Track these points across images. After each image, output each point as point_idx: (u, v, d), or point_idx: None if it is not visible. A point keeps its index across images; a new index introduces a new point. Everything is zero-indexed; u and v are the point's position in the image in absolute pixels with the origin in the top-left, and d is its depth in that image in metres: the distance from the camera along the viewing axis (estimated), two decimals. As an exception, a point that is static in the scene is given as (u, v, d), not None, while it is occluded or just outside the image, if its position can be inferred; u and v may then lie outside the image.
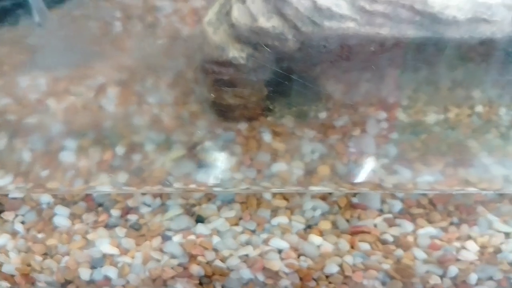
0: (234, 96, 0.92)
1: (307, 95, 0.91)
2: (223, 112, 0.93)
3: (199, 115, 0.92)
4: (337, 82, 0.98)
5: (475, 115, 0.91)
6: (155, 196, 0.84)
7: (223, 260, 0.74)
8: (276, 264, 0.73)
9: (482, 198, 0.82)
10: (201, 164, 0.83)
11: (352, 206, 0.81)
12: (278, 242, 0.75)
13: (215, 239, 0.76)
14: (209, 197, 0.83)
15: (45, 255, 0.78)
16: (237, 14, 0.84)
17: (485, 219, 0.78)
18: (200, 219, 0.79)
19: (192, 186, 0.79)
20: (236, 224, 0.79)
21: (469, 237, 0.76)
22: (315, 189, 0.77)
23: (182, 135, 0.89)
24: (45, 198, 0.84)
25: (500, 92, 0.96)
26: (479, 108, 0.92)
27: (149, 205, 0.83)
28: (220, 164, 0.83)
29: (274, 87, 0.93)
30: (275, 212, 0.81)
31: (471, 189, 0.77)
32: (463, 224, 0.78)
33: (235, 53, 0.85)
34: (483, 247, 0.74)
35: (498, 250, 0.73)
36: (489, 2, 0.76)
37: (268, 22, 0.80)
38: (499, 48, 0.97)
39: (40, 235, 0.80)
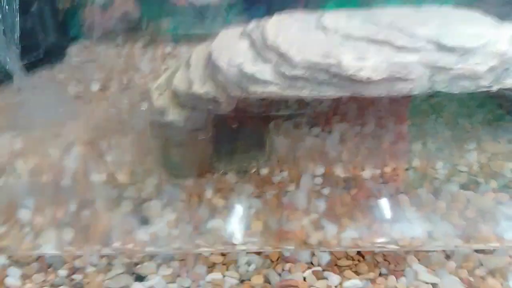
0: (180, 154, 0.98)
1: (250, 152, 0.96)
2: (172, 170, 0.98)
3: (152, 173, 0.98)
4: (279, 139, 1.03)
5: (411, 169, 0.94)
6: (102, 256, 0.88)
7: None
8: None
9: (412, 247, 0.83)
10: (144, 221, 0.87)
11: (284, 260, 0.83)
12: (206, 298, 0.77)
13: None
14: (152, 255, 0.87)
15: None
16: (177, 80, 0.92)
17: (412, 270, 0.79)
18: (139, 278, 0.83)
19: (130, 245, 0.83)
20: (173, 282, 0.82)
21: (395, 289, 0.77)
22: (242, 248, 0.80)
23: (132, 192, 0.94)
24: (1, 260, 0.89)
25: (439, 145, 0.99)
26: (416, 162, 0.95)
27: (95, 265, 0.87)
28: (160, 221, 0.87)
29: (217, 146, 0.99)
30: (211, 268, 0.84)
31: (391, 247, 0.78)
32: (391, 275, 0.79)
33: (174, 116, 0.91)
34: (407, 300, 0.75)
35: (421, 303, 0.74)
36: (405, 61, 0.81)
37: (202, 88, 0.87)
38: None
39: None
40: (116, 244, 0.83)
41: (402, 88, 0.81)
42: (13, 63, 1.27)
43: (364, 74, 0.79)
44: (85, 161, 1.03)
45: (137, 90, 1.31)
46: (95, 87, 1.32)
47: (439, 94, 1.18)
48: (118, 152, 1.05)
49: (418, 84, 0.82)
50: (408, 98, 1.16)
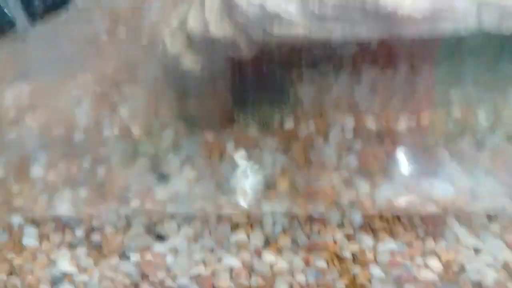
0: (198, 106, 0.90)
1: (272, 103, 0.88)
2: (189, 122, 0.91)
3: (168, 126, 0.91)
4: (302, 88, 0.95)
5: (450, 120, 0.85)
6: (120, 214, 0.84)
7: (174, 279, 0.73)
8: (225, 283, 0.71)
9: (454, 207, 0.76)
10: (162, 178, 0.82)
11: (312, 220, 0.77)
12: (230, 260, 0.72)
13: (170, 258, 0.75)
14: (172, 215, 0.82)
15: (10, 274, 0.79)
16: (192, 22, 0.82)
17: (452, 232, 0.73)
18: (159, 238, 0.78)
19: (149, 204, 0.78)
20: (195, 242, 0.78)
21: (433, 253, 0.71)
22: (268, 208, 0.75)
23: (148, 146, 0.88)
24: (16, 219, 0.85)
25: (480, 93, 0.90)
26: (456, 112, 0.86)
27: (113, 225, 0.82)
28: (179, 178, 0.81)
29: (238, 96, 0.91)
30: (235, 228, 0.79)
31: (432, 208, 0.72)
32: (429, 238, 0.73)
33: (189, 63, 0.83)
34: (447, 264, 0.69)
35: (462, 269, 0.68)
36: (448, -3, 0.70)
37: (219, 31, 0.78)
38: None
39: (9, 255, 0.81)
40: (135, 203, 0.79)
41: (446, 28, 0.72)
42: (16, 9, 1.20)
43: (404, 11, 0.69)
44: (97, 114, 0.97)
45: (149, 35, 1.21)
46: (103, 33, 1.23)
47: (476, 35, 1.08)
48: (129, 104, 0.98)
49: (463, 23, 0.71)
50: (442, 39, 1.05)
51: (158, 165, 0.84)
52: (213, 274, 0.73)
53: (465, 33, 0.72)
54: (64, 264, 0.77)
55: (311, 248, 0.74)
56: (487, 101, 0.89)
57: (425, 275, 0.69)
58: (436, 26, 0.71)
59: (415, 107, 0.89)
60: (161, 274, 0.74)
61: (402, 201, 0.74)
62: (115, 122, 0.94)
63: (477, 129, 0.83)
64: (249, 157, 0.84)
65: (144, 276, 0.74)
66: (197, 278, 0.73)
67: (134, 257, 0.76)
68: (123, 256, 0.77)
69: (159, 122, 0.92)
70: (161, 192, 0.79)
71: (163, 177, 0.82)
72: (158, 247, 0.78)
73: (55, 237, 0.82)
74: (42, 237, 0.83)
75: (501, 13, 0.70)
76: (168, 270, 0.74)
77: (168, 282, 0.73)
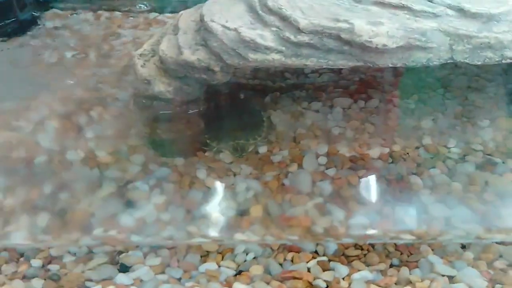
0: (168, 130, 0.88)
1: (246, 129, 0.87)
2: (160, 147, 0.88)
3: (137, 150, 0.88)
4: (277, 114, 0.94)
5: (422, 148, 0.86)
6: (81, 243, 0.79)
7: (138, 312, 0.68)
8: (193, 316, 0.67)
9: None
10: (128, 204, 0.78)
11: (286, 248, 0.75)
12: (199, 292, 0.69)
13: (134, 290, 0.70)
14: (138, 244, 0.78)
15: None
16: (165, 46, 0.81)
17: (427, 261, 0.72)
18: (123, 268, 0.74)
19: (113, 232, 0.73)
20: (162, 272, 0.74)
21: (408, 282, 0.70)
22: (240, 238, 0.72)
23: (115, 172, 0.84)
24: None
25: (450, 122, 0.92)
26: (427, 140, 0.87)
27: (74, 254, 0.78)
28: (148, 204, 0.78)
29: (210, 121, 0.90)
30: (205, 257, 0.75)
31: (407, 237, 0.71)
32: (404, 266, 0.72)
33: (161, 87, 0.81)
34: (422, 293, 0.68)
35: (438, 297, 0.67)
36: (423, 27, 0.72)
37: (193, 55, 0.77)
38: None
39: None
40: (98, 231, 0.74)
41: (419, 58, 0.73)
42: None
43: (379, 40, 0.70)
44: (61, 137, 0.92)
45: (118, 58, 1.19)
46: (70, 55, 1.19)
47: (445, 67, 1.11)
48: (97, 127, 0.94)
49: (437, 54, 0.73)
50: (413, 71, 1.08)
51: (125, 191, 0.80)
52: (181, 307, 0.68)
53: (437, 63, 0.73)
54: (16, 297, 0.71)
55: (284, 278, 0.71)
56: (457, 130, 0.90)
57: (401, 305, 0.67)
58: (409, 56, 0.72)
59: (386, 135, 0.90)
60: (124, 308, 0.69)
61: (376, 229, 0.73)
62: (81, 145, 0.90)
63: (448, 157, 0.84)
64: (222, 184, 0.81)
65: (105, 310, 0.69)
66: (163, 312, 0.68)
67: (96, 289, 0.71)
68: (84, 288, 0.72)
69: (127, 147, 0.89)
70: (127, 219, 0.75)
71: (130, 204, 0.78)
72: (122, 278, 0.73)
73: (8, 268, 0.76)
74: (-8, 268, 0.77)
75: (473, 45, 0.72)
76: (132, 302, 0.69)
77: (132, 316, 0.69)
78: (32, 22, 1.34)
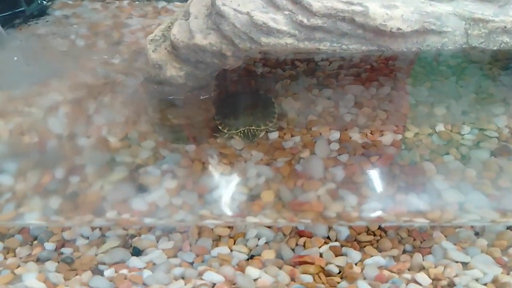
0: (179, 116, 0.88)
1: (257, 115, 0.87)
2: (171, 133, 0.88)
3: (148, 136, 0.88)
4: (288, 100, 0.94)
5: (435, 135, 0.85)
6: (94, 227, 0.79)
7: (151, 295, 0.68)
8: (206, 299, 0.67)
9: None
10: (140, 189, 0.78)
11: (298, 233, 0.75)
12: (212, 275, 0.69)
13: (147, 273, 0.70)
14: (150, 227, 0.78)
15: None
16: (176, 31, 0.80)
17: (440, 247, 0.71)
18: (136, 252, 0.74)
19: (126, 216, 0.73)
20: (174, 256, 0.74)
21: (421, 268, 0.69)
22: (253, 220, 0.72)
23: (126, 156, 0.84)
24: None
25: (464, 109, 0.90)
26: (440, 127, 0.86)
27: (87, 237, 0.78)
28: (160, 188, 0.78)
29: (222, 107, 0.89)
30: (217, 241, 0.75)
31: (421, 220, 0.70)
32: (416, 252, 0.71)
33: (173, 71, 0.81)
34: (436, 279, 0.67)
35: (452, 283, 0.66)
36: (438, 11, 0.71)
37: (205, 39, 0.76)
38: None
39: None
40: (111, 214, 0.74)
41: (434, 42, 0.72)
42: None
43: (393, 24, 0.69)
44: (72, 122, 0.92)
45: (128, 46, 1.19)
46: (80, 42, 1.19)
47: (458, 55, 1.10)
48: (108, 113, 0.94)
49: (452, 39, 0.72)
50: (426, 59, 1.07)
51: (137, 176, 0.80)
52: (194, 290, 0.68)
53: (452, 48, 0.72)
54: (31, 280, 0.71)
55: (296, 262, 0.71)
56: (471, 117, 0.89)
57: (414, 290, 0.67)
58: (424, 40, 0.71)
59: (399, 121, 0.89)
60: (137, 290, 0.69)
61: (389, 213, 0.72)
62: (91, 131, 0.90)
63: (461, 144, 0.83)
64: (232, 169, 0.81)
65: (119, 293, 0.69)
66: (176, 295, 0.68)
67: (108, 272, 0.72)
68: (96, 271, 0.72)
69: (138, 132, 0.89)
70: (139, 203, 0.75)
71: (141, 188, 0.78)
72: (135, 261, 0.73)
73: (22, 251, 0.76)
74: (6, 250, 0.77)
75: (489, 29, 0.71)
76: (145, 286, 0.69)
77: (145, 298, 0.69)
78: (42, 12, 1.35)
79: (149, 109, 0.92)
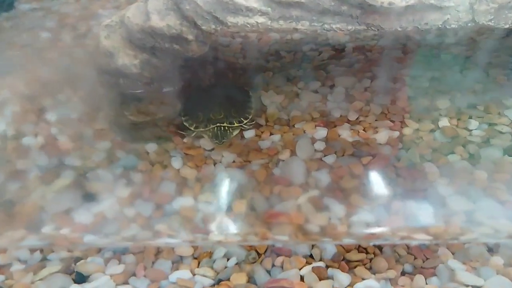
0: (139, 112, 0.75)
1: (230, 111, 0.74)
2: (129, 131, 0.76)
3: (103, 135, 0.76)
4: (269, 94, 0.81)
5: (438, 131, 0.73)
6: (33, 249, 0.66)
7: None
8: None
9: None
10: (87, 197, 0.66)
11: (274, 251, 0.62)
12: (167, 306, 0.56)
13: (91, 305, 0.58)
14: (98, 247, 0.65)
15: None
16: (131, 13, 0.68)
17: (447, 267, 0.59)
18: (79, 278, 0.62)
19: (65, 230, 0.61)
20: (125, 283, 0.62)
21: (424, 293, 0.57)
22: (216, 238, 0.59)
23: (76, 159, 0.71)
24: None
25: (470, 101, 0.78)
26: (444, 122, 0.74)
27: (24, 261, 0.65)
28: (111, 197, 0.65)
29: (189, 101, 0.77)
30: (177, 263, 0.63)
31: (421, 237, 0.58)
32: (418, 274, 0.59)
33: (126, 59, 0.68)
34: (441, 308, 0.55)
35: (460, 313, 0.54)
36: (439, -18, 0.59)
37: (163, 21, 0.64)
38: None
39: None
40: (47, 229, 0.62)
41: (434, 20, 0.61)
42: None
43: (384, -2, 0.57)
44: (20, 120, 0.80)
45: (94, 39, 1.08)
46: (44, 36, 1.09)
47: (461, 42, 0.97)
48: (63, 110, 0.82)
49: (455, 15, 0.60)
50: (425, 47, 0.95)
51: (85, 182, 0.67)
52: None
53: (456, 26, 0.60)
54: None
55: (272, 288, 0.58)
56: (478, 110, 0.77)
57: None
58: (422, 17, 0.59)
59: (395, 117, 0.77)
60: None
61: (384, 227, 0.60)
62: (41, 130, 0.78)
63: (469, 141, 0.71)
64: (199, 174, 0.68)
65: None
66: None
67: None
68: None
69: (93, 131, 0.77)
70: (84, 215, 0.63)
71: (88, 197, 0.65)
72: (77, 289, 0.61)
73: None
74: None
75: (499, 3, 0.59)
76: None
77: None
78: (9, 5, 1.27)
79: (106, 105, 0.80)
